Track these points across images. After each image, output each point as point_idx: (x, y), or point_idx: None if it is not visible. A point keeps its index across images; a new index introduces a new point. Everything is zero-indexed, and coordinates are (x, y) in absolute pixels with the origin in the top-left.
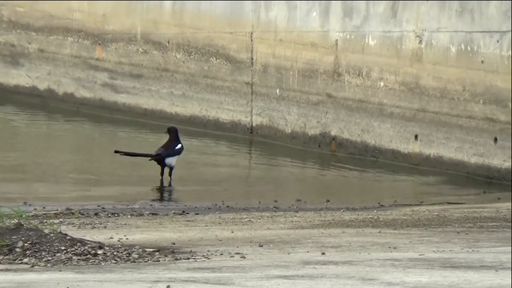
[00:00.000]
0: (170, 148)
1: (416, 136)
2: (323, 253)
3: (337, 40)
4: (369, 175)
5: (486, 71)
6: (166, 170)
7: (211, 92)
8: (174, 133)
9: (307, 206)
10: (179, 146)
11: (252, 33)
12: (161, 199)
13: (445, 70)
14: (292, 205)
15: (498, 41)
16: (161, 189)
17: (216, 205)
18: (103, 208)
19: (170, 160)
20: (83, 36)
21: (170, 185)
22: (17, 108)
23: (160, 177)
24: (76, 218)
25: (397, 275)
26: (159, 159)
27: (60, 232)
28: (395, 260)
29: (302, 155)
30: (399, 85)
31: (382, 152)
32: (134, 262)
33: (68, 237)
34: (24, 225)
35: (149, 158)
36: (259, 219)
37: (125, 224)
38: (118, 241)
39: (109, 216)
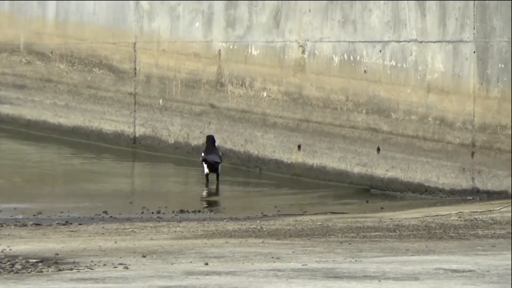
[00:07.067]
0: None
1: (299, 146)
2: (206, 264)
3: (220, 50)
4: (252, 185)
5: (369, 81)
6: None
7: (94, 102)
8: (211, 141)
9: (190, 216)
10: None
11: (135, 44)
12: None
13: (328, 80)
14: (176, 215)
15: (380, 51)
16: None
17: (99, 215)
18: None
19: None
20: None
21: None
22: None
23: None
24: None
25: (280, 285)
26: (217, 167)
27: None
28: (278, 271)
29: (185, 165)
30: (282, 95)
31: (265, 162)
32: (17, 273)
33: None
34: None
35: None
36: (142, 229)
37: (9, 234)
38: (1, 252)
39: None
